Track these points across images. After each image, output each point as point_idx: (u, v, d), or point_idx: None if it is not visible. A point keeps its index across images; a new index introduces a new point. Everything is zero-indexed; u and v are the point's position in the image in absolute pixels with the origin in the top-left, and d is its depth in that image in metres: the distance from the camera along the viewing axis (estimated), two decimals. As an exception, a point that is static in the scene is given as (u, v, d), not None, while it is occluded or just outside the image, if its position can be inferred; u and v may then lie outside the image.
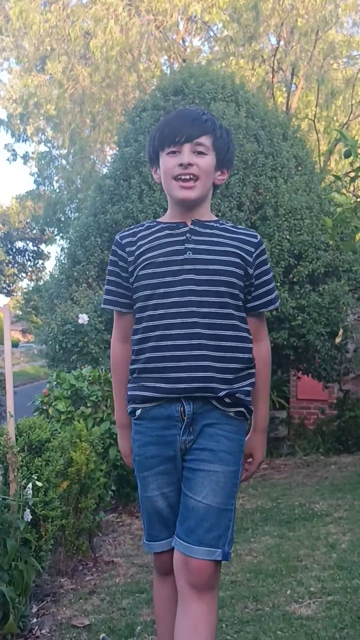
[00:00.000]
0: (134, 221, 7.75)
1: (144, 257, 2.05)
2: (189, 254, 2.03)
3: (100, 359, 6.47)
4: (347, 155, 5.79)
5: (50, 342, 6.90)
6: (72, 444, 3.85)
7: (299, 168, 8.54)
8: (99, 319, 6.68)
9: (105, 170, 12.54)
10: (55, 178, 22.53)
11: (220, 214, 7.43)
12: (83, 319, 6.36)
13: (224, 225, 2.12)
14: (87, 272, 7.87)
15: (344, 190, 5.75)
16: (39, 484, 3.23)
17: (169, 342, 1.99)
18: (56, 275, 8.44)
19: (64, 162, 21.40)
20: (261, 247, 2.11)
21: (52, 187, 22.96)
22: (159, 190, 7.84)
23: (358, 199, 6.16)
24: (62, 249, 8.80)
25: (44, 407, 4.93)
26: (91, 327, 6.57)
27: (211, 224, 2.11)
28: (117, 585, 3.62)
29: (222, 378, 1.98)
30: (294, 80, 16.94)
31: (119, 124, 13.12)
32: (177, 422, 1.99)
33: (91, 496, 3.87)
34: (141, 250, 2.07)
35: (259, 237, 2.13)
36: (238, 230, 2.13)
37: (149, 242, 2.08)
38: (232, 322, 2.03)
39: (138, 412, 2.06)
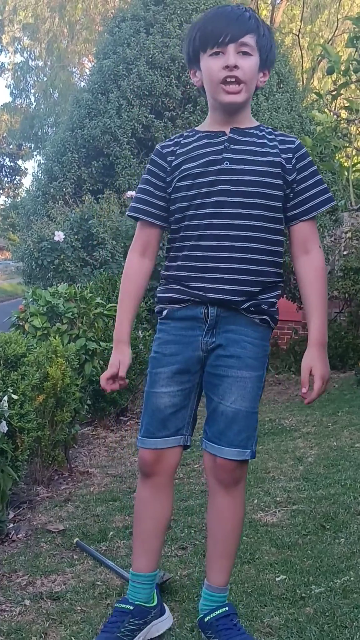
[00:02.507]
0: (111, 137, 7.63)
1: (182, 168, 2.03)
2: (226, 164, 1.99)
3: (76, 276, 6.48)
4: (329, 71, 5.69)
5: (26, 259, 6.88)
6: (47, 359, 3.91)
7: (281, 85, 8.41)
8: (76, 237, 6.65)
9: (83, 84, 12.22)
10: (33, 90, 21.91)
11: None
12: (59, 236, 6.33)
13: (262, 132, 2.06)
14: (64, 189, 7.80)
15: (325, 109, 5.68)
16: (15, 397, 3.29)
17: (199, 253, 2.01)
18: (32, 192, 8.35)
19: (41, 74, 20.78)
20: (301, 151, 2.05)
21: (29, 100, 22.34)
22: (138, 105, 7.70)
23: (339, 118, 6.09)
24: (38, 165, 8.67)
25: (20, 323, 4.96)
26: (67, 244, 6.55)
27: (250, 130, 2.05)
28: (92, 494, 3.76)
29: (248, 291, 2.00)
30: (279, -8, 16.43)
31: (98, 34, 12.69)
32: (201, 323, 2.02)
33: (67, 410, 3.96)
34: (179, 160, 2.04)
35: (297, 141, 2.07)
36: (277, 137, 2.06)
37: (188, 152, 2.04)
38: (265, 235, 2.01)
39: (165, 312, 2.09)
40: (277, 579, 2.52)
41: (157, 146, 2.12)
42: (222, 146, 2.01)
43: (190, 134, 2.09)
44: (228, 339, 2.02)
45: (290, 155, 2.03)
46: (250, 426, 2.06)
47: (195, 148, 2.03)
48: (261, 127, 2.08)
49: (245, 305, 2.00)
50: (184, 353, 2.05)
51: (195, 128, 2.13)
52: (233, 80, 1.95)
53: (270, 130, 2.09)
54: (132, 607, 2.12)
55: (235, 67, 1.94)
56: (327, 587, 2.42)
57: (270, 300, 2.05)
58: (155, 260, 2.19)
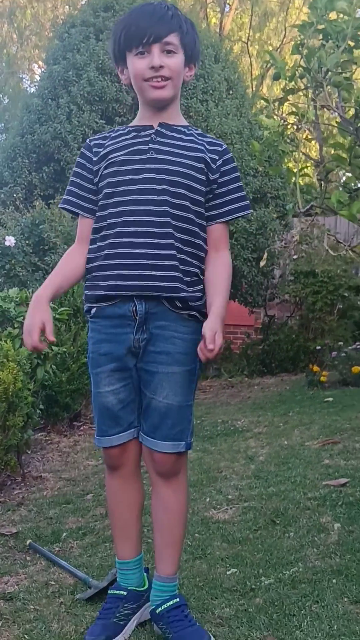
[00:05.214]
0: (62, 142, 7.62)
1: (108, 157, 2.08)
2: (152, 153, 2.05)
3: (28, 281, 6.45)
4: (275, 77, 5.76)
5: (-23, 265, 6.82)
6: (-1, 363, 3.90)
7: (230, 92, 8.51)
8: (27, 242, 6.63)
9: (33, 89, 12.18)
10: (-18, 96, 21.65)
11: (149, 137, 7.38)
12: (10, 241, 6.29)
13: (191, 131, 2.13)
14: (15, 194, 7.76)
15: (274, 115, 5.77)
16: (-34, 400, 3.28)
17: (125, 240, 2.02)
18: (-17, 197, 8.27)
19: (-10, 79, 20.57)
20: (227, 155, 2.12)
21: (-22, 106, 22.07)
22: (88, 111, 7.71)
23: (285, 123, 6.19)
24: (-12, 170, 8.60)
25: (-29, 329, 4.92)
26: (18, 249, 6.52)
27: (179, 128, 2.12)
28: (45, 498, 3.76)
29: (174, 276, 2.01)
30: (227, 1, 16.60)
31: (48, 40, 12.67)
32: (131, 321, 2.04)
33: (19, 414, 3.94)
34: (107, 150, 2.09)
35: (224, 145, 2.15)
36: (204, 138, 2.13)
37: (115, 143, 2.09)
38: (188, 227, 2.06)
39: (93, 310, 2.10)
40: (227, 573, 2.56)
41: (87, 140, 2.19)
42: (149, 138, 2.08)
43: (122, 128, 2.16)
44: (158, 335, 2.05)
45: (217, 157, 2.10)
46: (184, 419, 2.10)
47: (124, 140, 2.10)
48: (190, 128, 2.15)
49: (170, 294, 2.02)
50: (117, 351, 2.07)
51: (127, 125, 2.19)
52: (159, 79, 2.03)
53: (200, 132, 2.17)
54: (125, 593, 2.19)
55: (161, 67, 2.01)
56: (277, 579, 2.47)
57: (195, 294, 2.07)
58: None
